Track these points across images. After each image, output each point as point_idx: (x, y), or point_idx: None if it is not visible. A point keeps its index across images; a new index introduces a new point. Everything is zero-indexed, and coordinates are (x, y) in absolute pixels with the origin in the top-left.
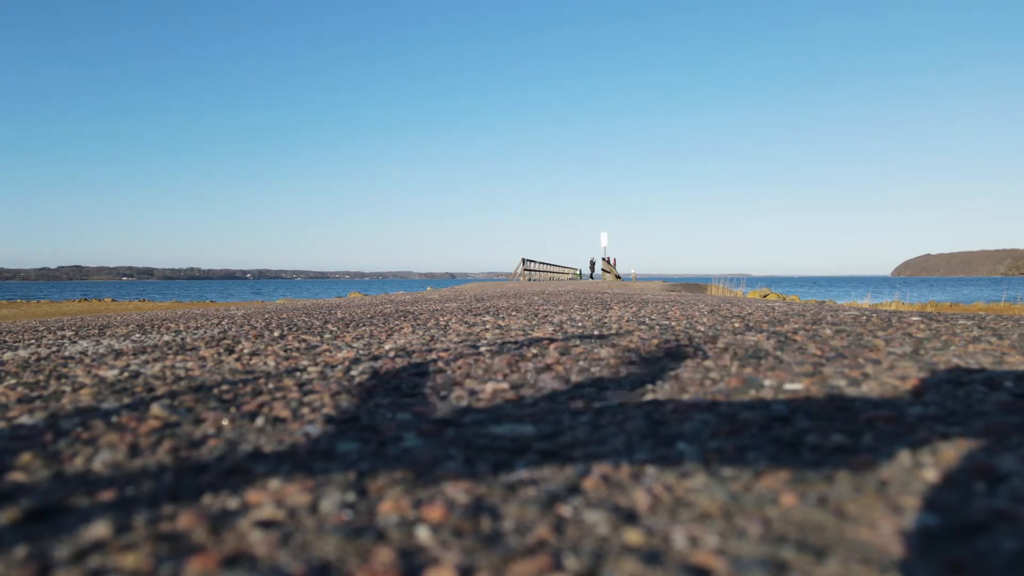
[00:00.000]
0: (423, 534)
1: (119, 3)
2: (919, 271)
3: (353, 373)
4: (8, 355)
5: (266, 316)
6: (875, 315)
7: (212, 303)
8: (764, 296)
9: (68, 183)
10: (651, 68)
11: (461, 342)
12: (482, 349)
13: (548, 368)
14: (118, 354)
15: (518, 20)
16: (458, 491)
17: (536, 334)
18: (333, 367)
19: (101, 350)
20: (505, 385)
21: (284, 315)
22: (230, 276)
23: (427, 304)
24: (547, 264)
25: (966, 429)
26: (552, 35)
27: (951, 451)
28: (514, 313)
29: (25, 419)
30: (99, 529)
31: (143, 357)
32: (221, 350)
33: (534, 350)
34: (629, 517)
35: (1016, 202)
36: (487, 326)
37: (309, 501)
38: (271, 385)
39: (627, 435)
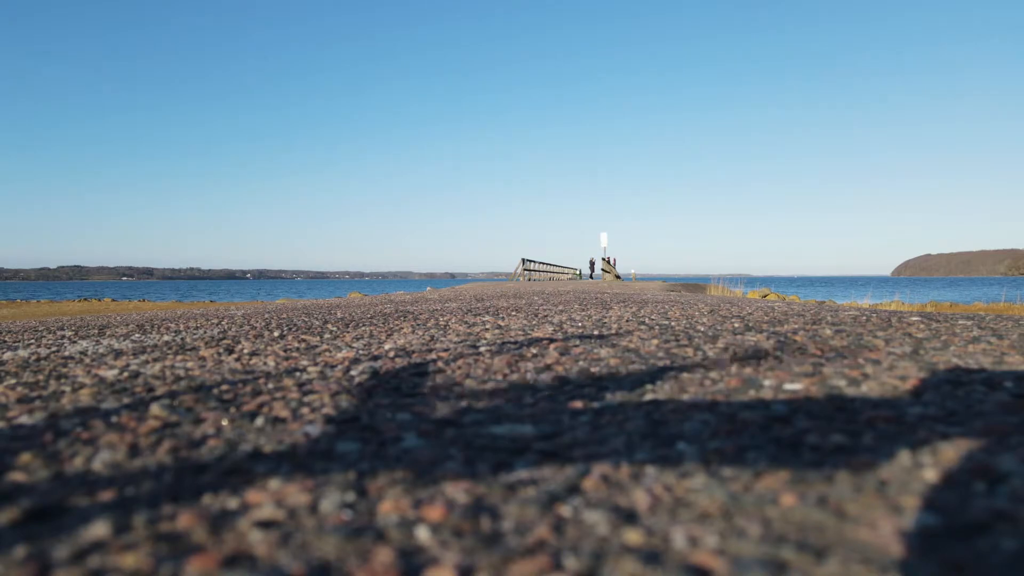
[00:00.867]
0: (423, 534)
1: (117, 2)
2: (919, 271)
3: (353, 373)
4: (8, 355)
5: (266, 316)
6: (875, 315)
7: (212, 303)
8: (764, 296)
9: (68, 183)
10: (651, 68)
11: (461, 342)
12: (482, 349)
13: (548, 368)
14: (118, 354)
15: (519, 19)
16: (458, 491)
17: (536, 334)
18: (333, 367)
19: (101, 350)
20: (505, 385)
21: (284, 315)
22: (230, 276)
23: (427, 304)
24: (547, 264)
25: (966, 429)
26: (553, 34)
27: (951, 451)
28: (514, 313)
29: (25, 419)
30: (99, 529)
31: (143, 357)
32: (221, 350)
33: (534, 350)
34: (629, 517)
35: (1016, 202)
36: (487, 326)
37: (309, 501)
38: (271, 385)
39: (627, 435)
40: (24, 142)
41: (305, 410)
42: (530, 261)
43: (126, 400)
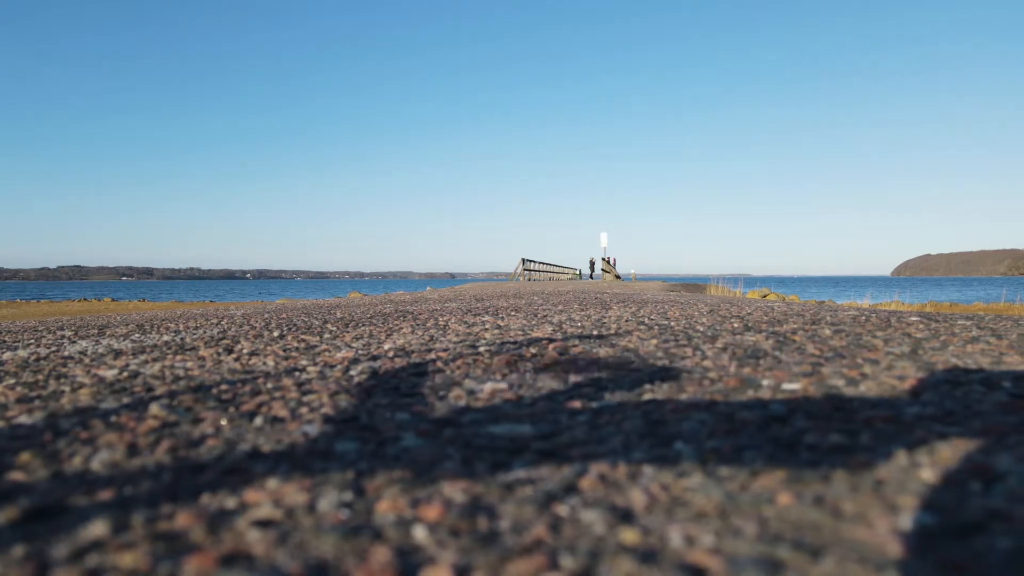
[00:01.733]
0: (420, 533)
1: (116, 2)
2: (919, 271)
3: (352, 373)
4: (7, 355)
5: (265, 316)
6: (874, 315)
7: (212, 303)
8: (764, 296)
9: (68, 183)
10: (652, 67)
11: (460, 342)
12: (481, 349)
13: (547, 368)
14: (117, 354)
15: (520, 19)
16: (456, 491)
17: (535, 334)
18: (332, 367)
19: (100, 350)
20: (504, 385)
21: (284, 315)
22: (230, 276)
23: (427, 304)
24: (547, 264)
25: (964, 429)
26: (553, 34)
27: (948, 451)
28: (513, 313)
29: (24, 419)
30: (97, 528)
31: (142, 357)
32: (220, 350)
33: (533, 350)
34: (626, 516)
35: (1016, 202)
36: (486, 326)
37: (307, 500)
38: (270, 385)
39: (625, 435)
40: (24, 142)
41: (304, 410)
42: (530, 261)
43: (125, 400)
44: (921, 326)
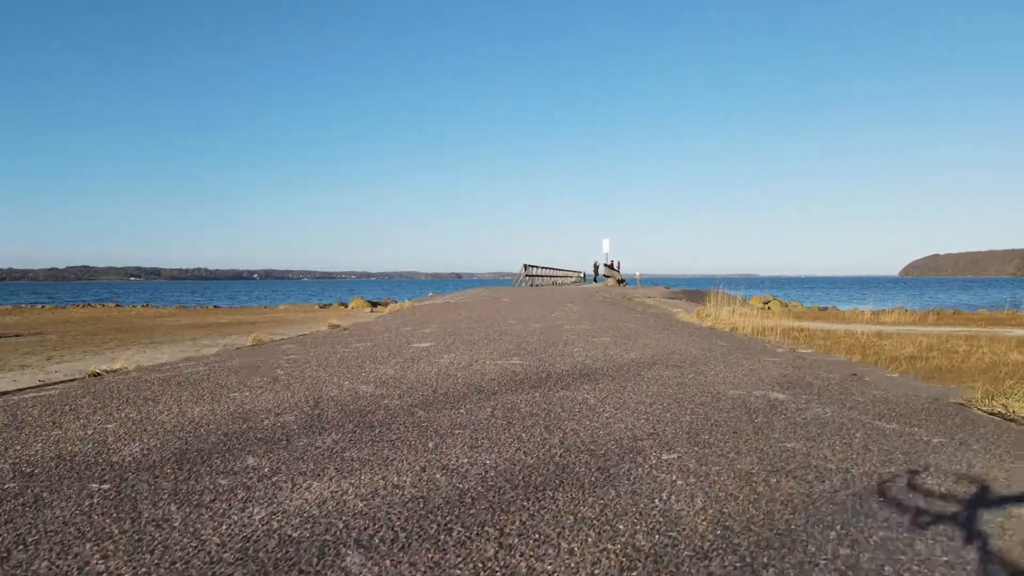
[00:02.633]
0: None
1: (127, 2)
2: (927, 271)
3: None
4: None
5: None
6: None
7: (208, 308)
8: (765, 303)
9: (77, 184)
10: (661, 65)
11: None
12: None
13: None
14: None
15: (529, 19)
16: None
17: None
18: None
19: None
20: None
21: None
22: (237, 276)
23: (398, 344)
24: (550, 269)
25: None
26: (566, 32)
27: None
28: (482, 344)
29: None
30: None
31: None
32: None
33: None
34: None
35: None
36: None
37: None
38: None
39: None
40: (33, 142)
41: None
42: (532, 267)
43: None
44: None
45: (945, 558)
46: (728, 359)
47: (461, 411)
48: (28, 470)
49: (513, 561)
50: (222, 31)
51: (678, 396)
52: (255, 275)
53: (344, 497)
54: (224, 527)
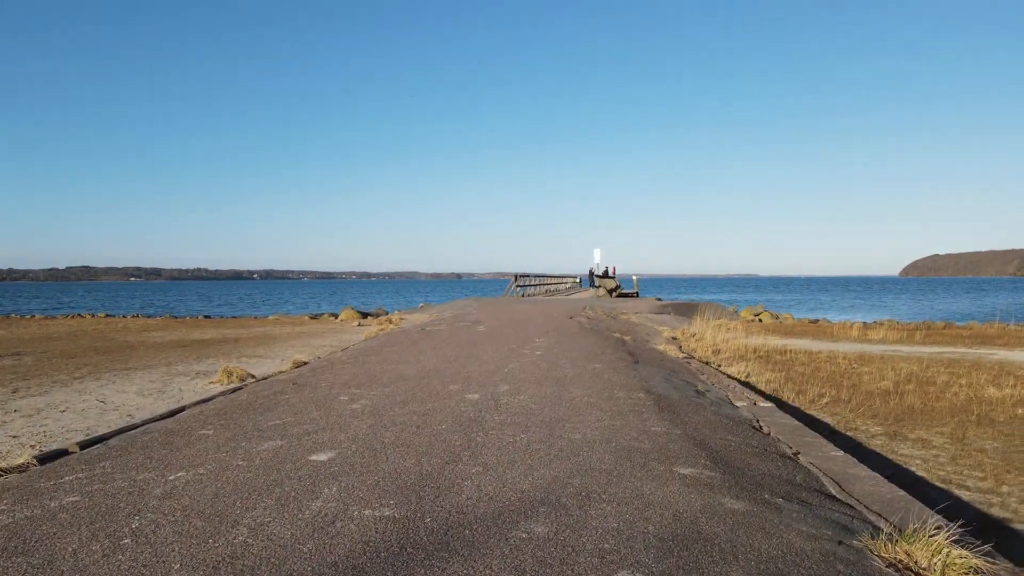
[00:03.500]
0: None
1: (127, 2)
2: (927, 271)
3: None
4: None
5: None
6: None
7: (198, 319)
8: (756, 315)
9: (77, 183)
10: (663, 62)
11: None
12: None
13: None
14: None
15: (530, 20)
16: None
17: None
18: None
19: None
20: None
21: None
22: (237, 276)
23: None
24: (542, 277)
25: None
26: (566, 29)
27: None
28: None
29: None
30: None
31: None
32: None
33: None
34: None
35: None
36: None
37: None
38: None
39: None
40: (32, 141)
41: None
42: (524, 276)
43: None
44: None
45: None
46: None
47: None
48: None
49: None
50: (222, 30)
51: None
52: (255, 275)
53: None
54: None
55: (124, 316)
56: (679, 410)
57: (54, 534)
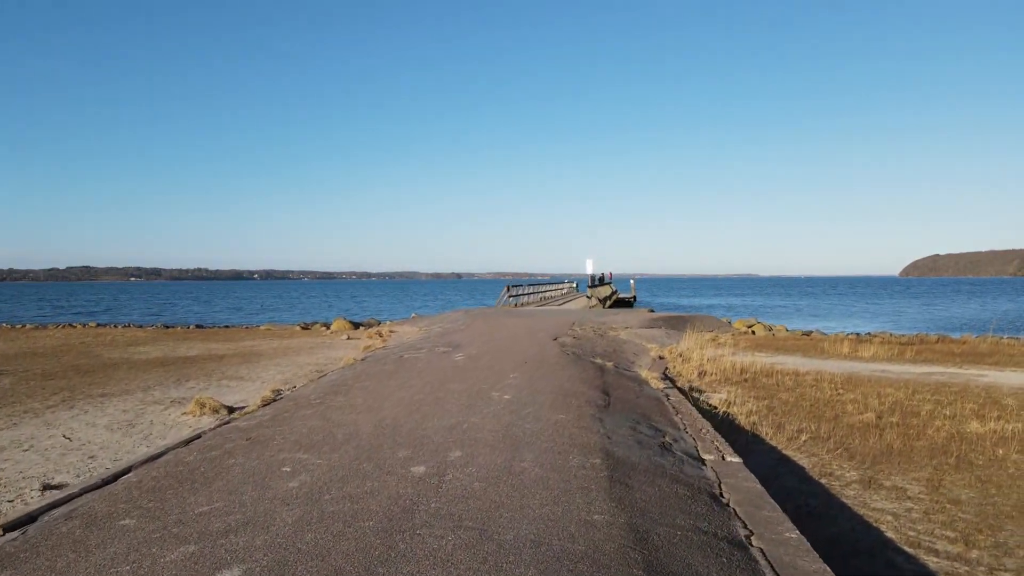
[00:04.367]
0: None
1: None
2: (927, 271)
3: None
4: None
5: None
6: None
7: (189, 329)
8: (749, 327)
9: (77, 182)
10: (663, 62)
11: None
12: None
13: None
14: None
15: (530, 20)
16: None
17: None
18: None
19: None
20: None
21: None
22: (237, 276)
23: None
24: (535, 286)
25: None
26: (566, 35)
27: None
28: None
29: None
30: None
31: None
32: None
33: None
34: None
35: None
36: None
37: None
38: None
39: None
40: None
41: None
42: (517, 286)
43: None
44: None
45: None
46: None
47: None
48: None
49: None
50: (222, 30)
51: None
52: (255, 275)
53: None
54: None
55: (115, 326)
56: (633, 482)
57: None
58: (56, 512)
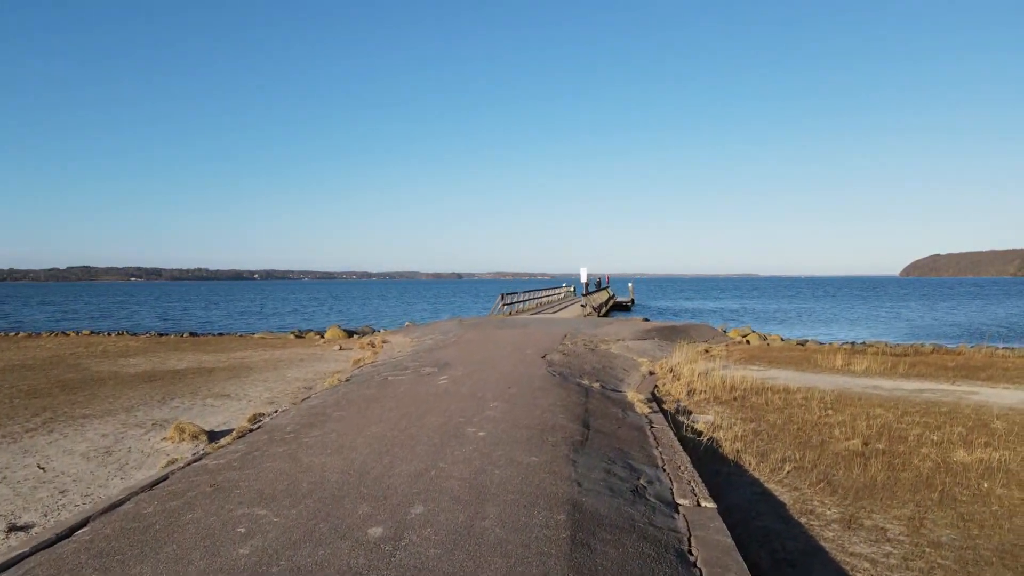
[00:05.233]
0: None
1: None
2: (928, 271)
3: None
4: None
5: None
6: None
7: (183, 337)
8: (744, 337)
9: (78, 183)
10: (663, 61)
11: None
12: None
13: None
14: None
15: (530, 20)
16: None
17: None
18: None
19: None
20: None
21: None
22: (238, 276)
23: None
24: (531, 292)
25: None
26: (566, 35)
27: None
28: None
29: None
30: None
31: None
32: None
33: None
34: None
35: None
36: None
37: None
38: None
39: None
40: (32, 141)
41: None
42: (511, 294)
43: None
44: None
45: None
46: None
47: None
48: None
49: None
50: (222, 30)
51: None
52: (256, 275)
53: None
54: None
55: (108, 333)
56: (596, 542)
57: None
58: None
